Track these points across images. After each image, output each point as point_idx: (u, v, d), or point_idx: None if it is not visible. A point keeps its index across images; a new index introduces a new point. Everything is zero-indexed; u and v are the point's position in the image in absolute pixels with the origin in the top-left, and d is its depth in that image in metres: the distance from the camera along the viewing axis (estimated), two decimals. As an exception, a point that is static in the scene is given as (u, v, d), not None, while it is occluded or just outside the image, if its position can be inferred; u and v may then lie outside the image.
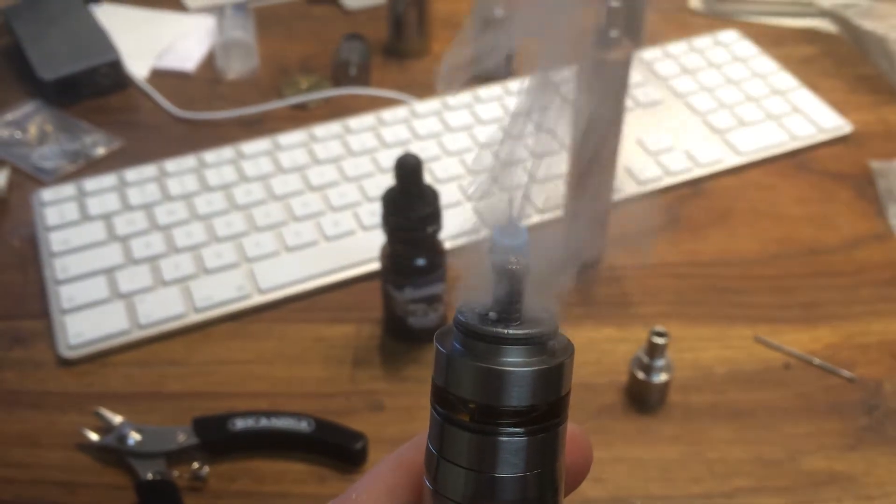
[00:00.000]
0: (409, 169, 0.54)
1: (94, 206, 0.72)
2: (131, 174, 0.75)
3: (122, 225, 0.70)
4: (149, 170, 0.75)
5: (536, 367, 0.23)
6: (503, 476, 0.24)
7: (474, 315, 0.24)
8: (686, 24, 0.94)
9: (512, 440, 0.24)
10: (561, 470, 0.25)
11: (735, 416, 0.58)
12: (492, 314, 0.24)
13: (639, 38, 0.89)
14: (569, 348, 0.25)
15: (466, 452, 0.24)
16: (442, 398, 0.24)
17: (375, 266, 0.66)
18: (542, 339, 0.24)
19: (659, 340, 0.56)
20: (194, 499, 0.54)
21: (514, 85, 0.84)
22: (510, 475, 0.24)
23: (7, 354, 0.63)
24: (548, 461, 0.24)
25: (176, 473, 0.55)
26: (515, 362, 0.23)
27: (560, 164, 0.68)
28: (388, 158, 0.75)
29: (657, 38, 0.90)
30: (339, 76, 0.86)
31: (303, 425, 0.56)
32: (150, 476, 0.54)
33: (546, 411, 0.24)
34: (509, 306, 0.24)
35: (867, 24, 0.90)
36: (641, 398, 0.59)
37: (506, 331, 0.24)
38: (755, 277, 0.68)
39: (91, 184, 0.74)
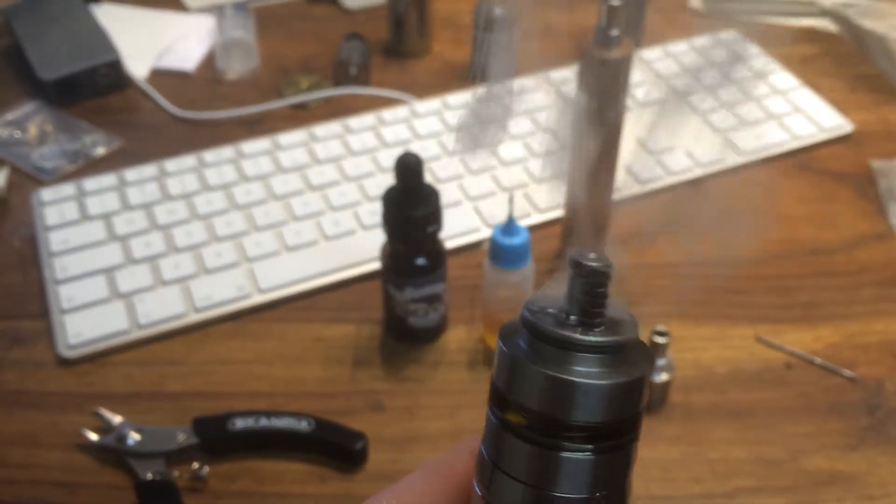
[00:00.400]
0: (409, 168, 0.54)
1: (94, 205, 0.72)
2: (131, 174, 0.75)
3: (121, 224, 0.70)
4: (149, 169, 0.75)
5: (614, 380, 0.21)
6: (564, 497, 0.21)
7: (546, 314, 0.21)
8: (686, 24, 0.94)
9: (577, 457, 0.21)
10: (629, 492, 0.22)
11: (736, 416, 0.58)
12: (572, 318, 0.21)
13: (639, 37, 0.89)
14: (648, 358, 0.22)
15: (525, 465, 0.21)
16: (501, 401, 0.22)
17: (376, 266, 0.66)
18: (621, 347, 0.21)
19: (660, 340, 0.56)
20: (194, 499, 0.54)
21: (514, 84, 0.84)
22: (573, 496, 0.21)
23: (7, 354, 0.62)
24: (616, 483, 0.22)
25: (176, 473, 0.55)
26: (590, 372, 0.21)
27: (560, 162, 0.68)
28: (389, 158, 0.75)
29: (658, 38, 0.90)
30: (340, 76, 0.85)
31: (303, 425, 0.55)
32: (149, 476, 0.54)
33: (619, 428, 0.21)
34: (588, 309, 0.21)
35: (867, 24, 0.90)
36: (642, 398, 0.59)
37: (583, 336, 0.21)
38: (756, 277, 0.68)
39: (91, 183, 0.74)
